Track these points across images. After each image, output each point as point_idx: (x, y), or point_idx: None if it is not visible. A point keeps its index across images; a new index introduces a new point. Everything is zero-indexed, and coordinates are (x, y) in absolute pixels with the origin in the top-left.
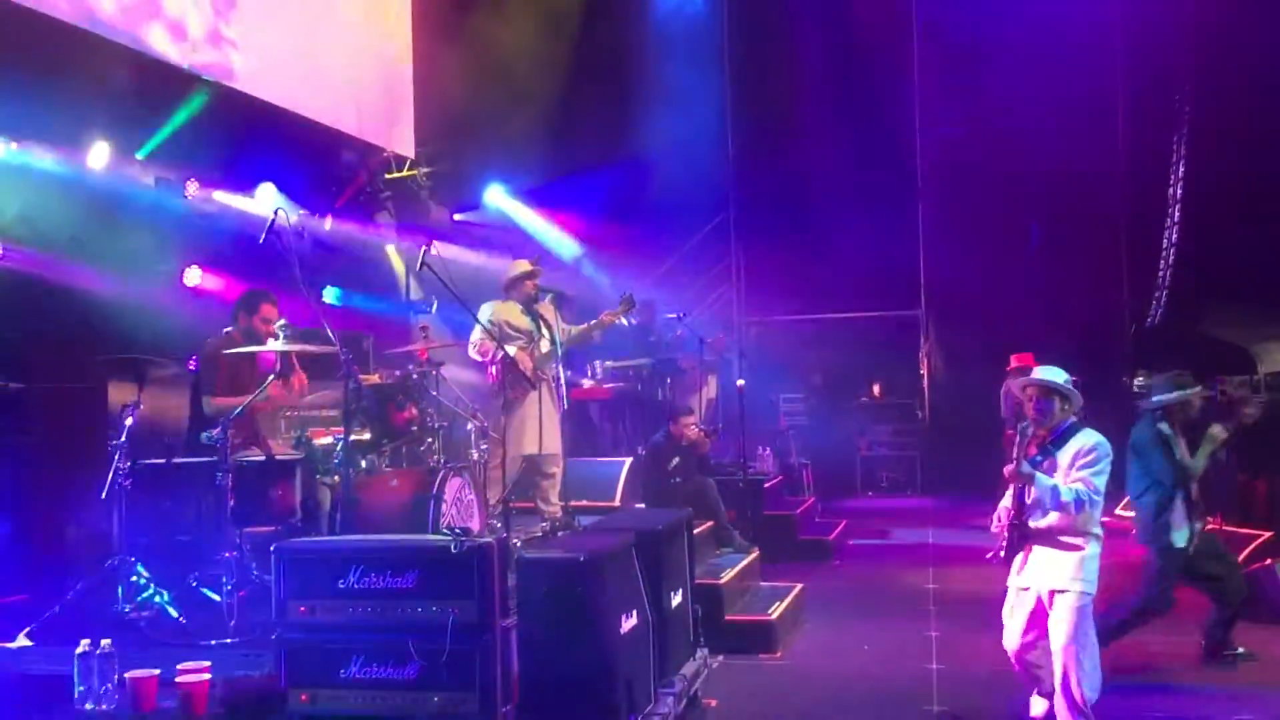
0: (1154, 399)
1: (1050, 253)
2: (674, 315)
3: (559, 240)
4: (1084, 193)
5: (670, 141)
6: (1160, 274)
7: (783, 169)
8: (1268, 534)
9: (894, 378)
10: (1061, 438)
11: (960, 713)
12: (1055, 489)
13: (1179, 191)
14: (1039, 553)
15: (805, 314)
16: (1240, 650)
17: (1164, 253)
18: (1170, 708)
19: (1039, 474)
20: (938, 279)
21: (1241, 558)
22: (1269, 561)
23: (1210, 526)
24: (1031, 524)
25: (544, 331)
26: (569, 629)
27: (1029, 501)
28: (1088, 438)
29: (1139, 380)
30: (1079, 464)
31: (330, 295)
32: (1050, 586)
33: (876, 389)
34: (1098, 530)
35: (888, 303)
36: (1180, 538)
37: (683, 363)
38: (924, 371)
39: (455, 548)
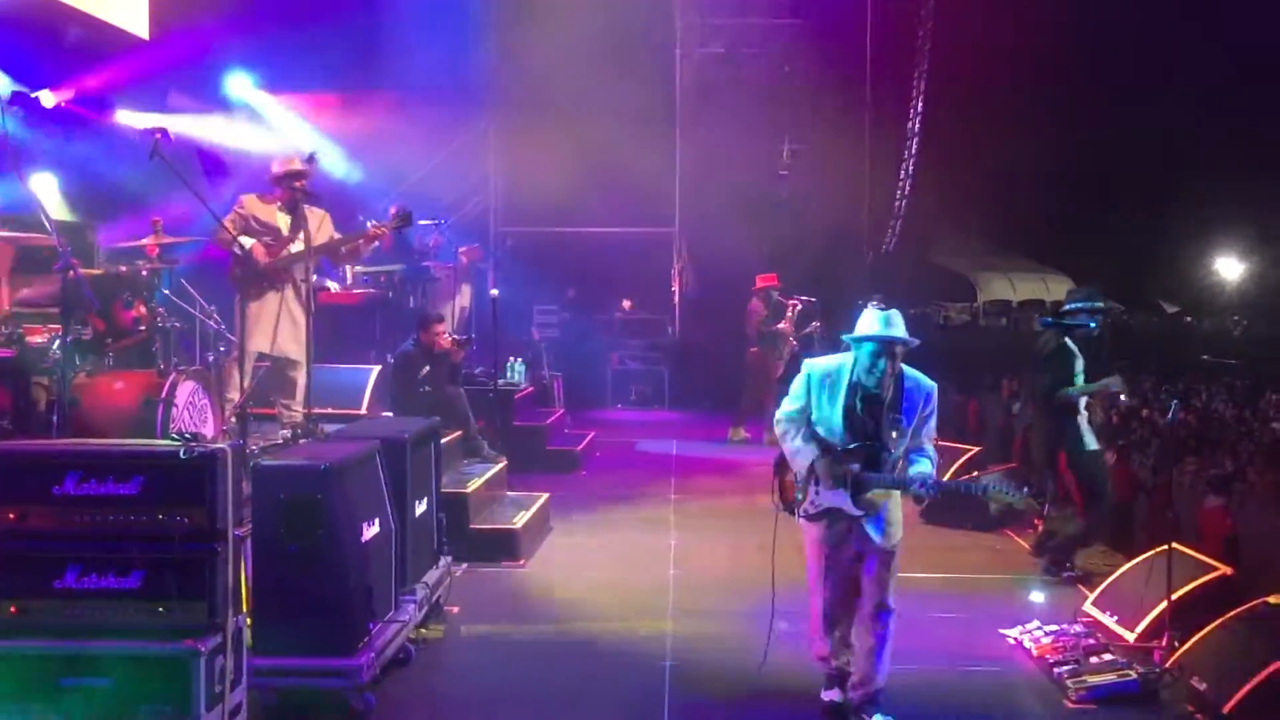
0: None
1: (799, 178)
2: (430, 222)
3: (317, 141)
4: (833, 123)
5: (429, 47)
6: (896, 203)
7: (543, 79)
8: (976, 448)
9: (647, 294)
10: (898, 388)
11: (693, 615)
12: (931, 461)
13: (917, 126)
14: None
15: (562, 227)
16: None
17: (900, 184)
18: None
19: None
20: (692, 197)
21: (952, 470)
22: (975, 474)
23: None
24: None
25: (301, 235)
26: (307, 538)
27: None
28: (924, 382)
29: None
30: (924, 414)
31: None
32: (893, 543)
33: (629, 304)
34: None
35: (643, 219)
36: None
37: (436, 270)
38: (676, 288)
39: (185, 453)
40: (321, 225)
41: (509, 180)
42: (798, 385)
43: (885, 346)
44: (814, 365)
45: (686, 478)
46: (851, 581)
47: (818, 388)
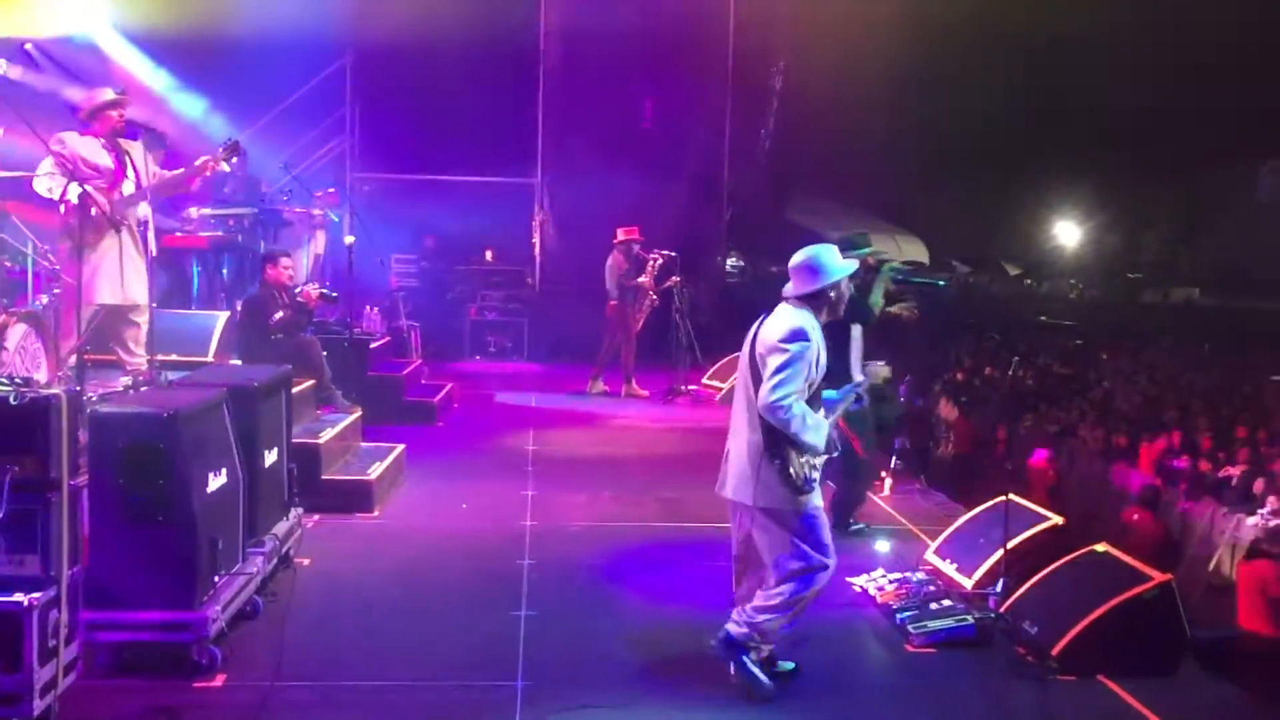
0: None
1: (661, 132)
2: (282, 164)
3: (170, 86)
4: (695, 77)
5: None
6: (757, 162)
7: (403, 19)
8: None
9: (507, 244)
10: None
11: (548, 564)
12: None
13: (779, 84)
14: None
15: (421, 174)
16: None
17: (761, 142)
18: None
19: None
20: (555, 148)
21: None
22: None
23: None
24: None
25: (129, 173)
26: (149, 488)
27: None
28: None
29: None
30: None
31: None
32: None
33: (490, 254)
34: None
35: (505, 168)
36: None
37: (288, 214)
38: (536, 240)
39: (15, 399)
40: (143, 160)
41: (368, 124)
42: (800, 355)
43: None
44: (808, 323)
45: (545, 430)
46: None
47: (818, 342)
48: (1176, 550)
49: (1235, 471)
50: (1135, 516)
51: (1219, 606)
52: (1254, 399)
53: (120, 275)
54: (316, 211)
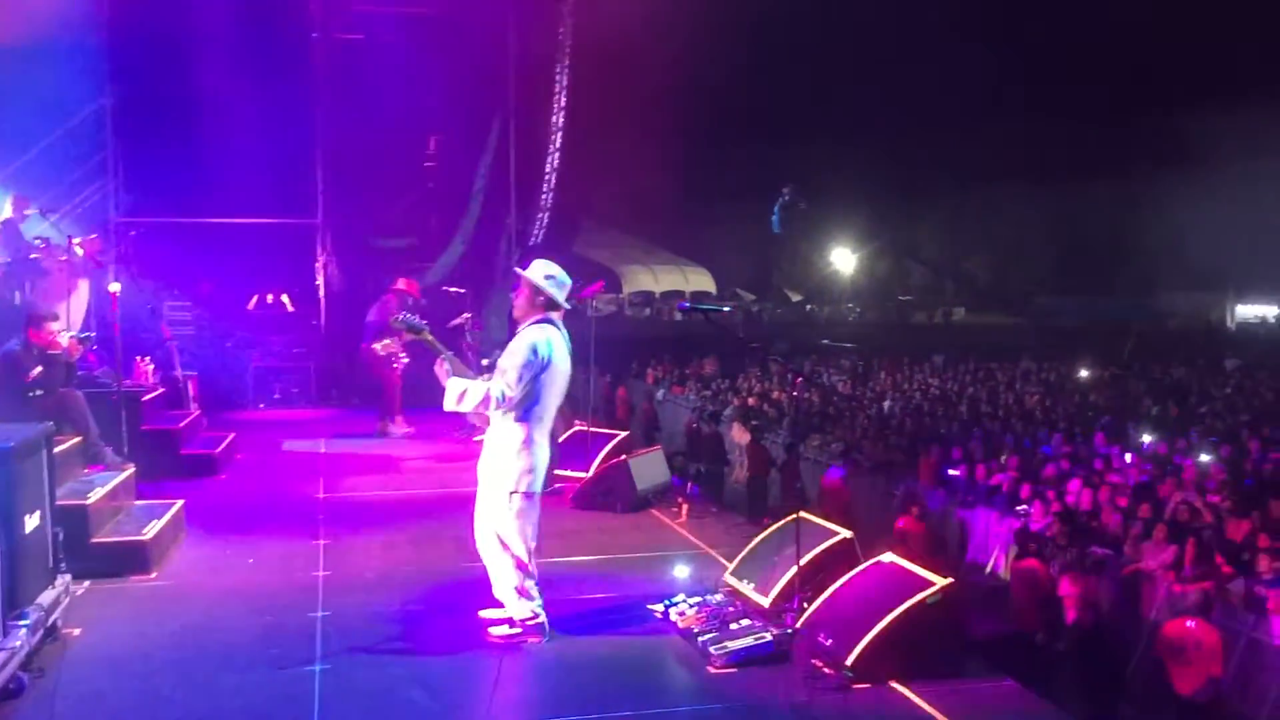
0: None
1: (445, 171)
2: (36, 211)
3: None
4: (475, 117)
5: (29, 11)
6: (542, 197)
7: (167, 59)
8: (624, 433)
9: (291, 288)
10: None
11: (343, 615)
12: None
13: (561, 120)
14: None
15: (193, 217)
16: None
17: (546, 177)
18: None
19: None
20: (336, 189)
21: (603, 454)
22: (623, 458)
23: (579, 427)
24: None
25: None
26: None
27: None
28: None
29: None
30: None
31: None
32: None
33: (272, 298)
34: None
35: (284, 210)
36: None
37: (46, 264)
38: (320, 281)
39: None
40: None
41: (132, 166)
42: None
43: None
44: None
45: (336, 476)
46: None
47: None
48: (943, 546)
49: (1005, 478)
50: (901, 523)
51: (997, 605)
52: (1018, 408)
53: None
54: (77, 258)
